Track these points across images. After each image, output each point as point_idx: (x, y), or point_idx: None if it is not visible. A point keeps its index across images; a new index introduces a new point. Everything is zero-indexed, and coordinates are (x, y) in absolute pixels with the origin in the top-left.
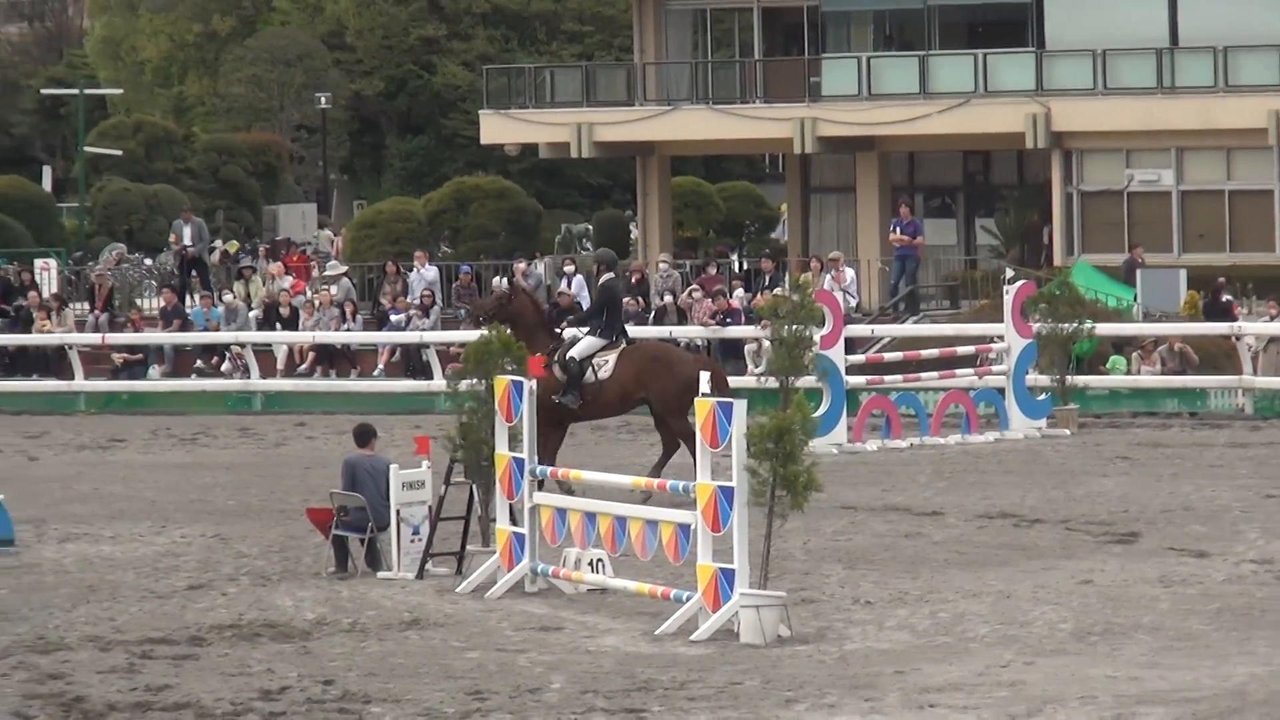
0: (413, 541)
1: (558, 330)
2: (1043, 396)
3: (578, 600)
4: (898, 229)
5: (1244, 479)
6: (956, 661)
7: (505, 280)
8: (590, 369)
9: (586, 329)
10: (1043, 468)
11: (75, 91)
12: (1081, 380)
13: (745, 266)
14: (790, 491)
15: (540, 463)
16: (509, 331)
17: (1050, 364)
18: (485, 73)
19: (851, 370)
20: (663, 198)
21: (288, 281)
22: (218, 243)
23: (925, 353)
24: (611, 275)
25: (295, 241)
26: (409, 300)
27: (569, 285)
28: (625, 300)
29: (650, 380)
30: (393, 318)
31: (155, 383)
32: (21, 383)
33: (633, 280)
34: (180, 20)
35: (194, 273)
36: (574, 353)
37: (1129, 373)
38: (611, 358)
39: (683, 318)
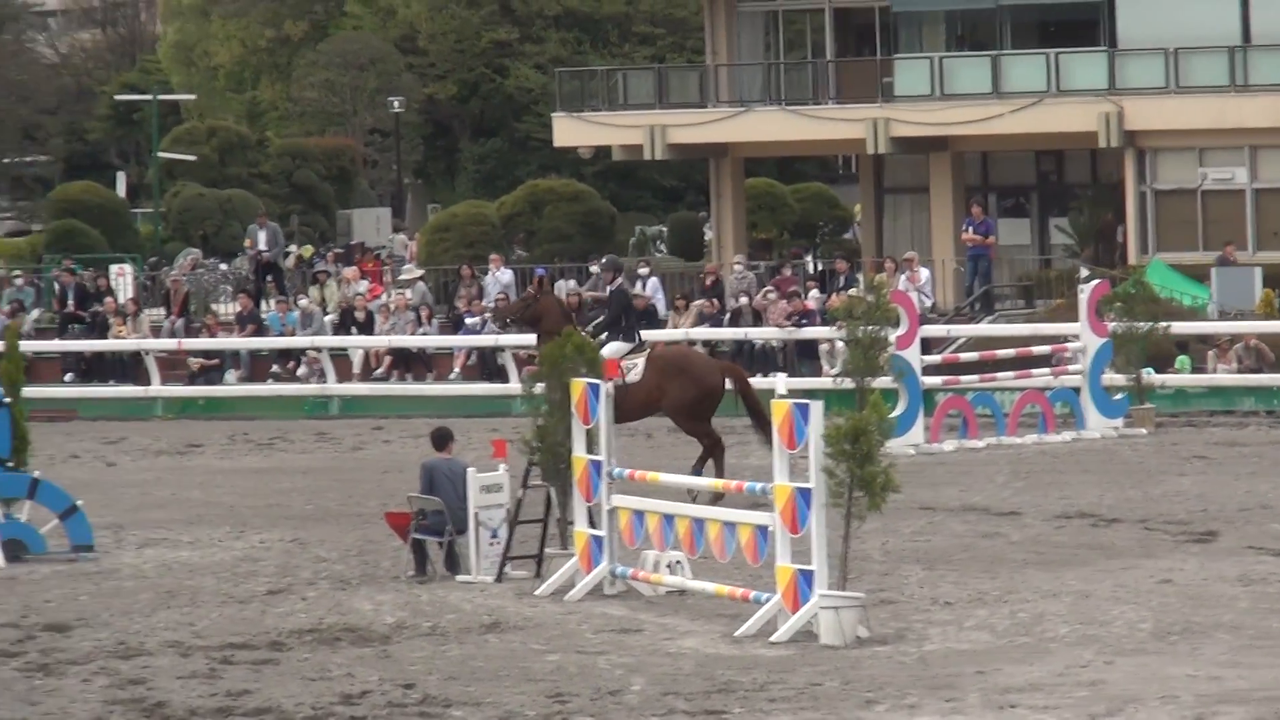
0: (491, 545)
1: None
2: (1119, 396)
3: (657, 602)
4: (970, 229)
5: None
6: (1036, 661)
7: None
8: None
9: (606, 335)
10: (1120, 467)
11: (149, 97)
12: (1158, 379)
13: (820, 268)
14: (868, 492)
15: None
16: (533, 333)
17: (1126, 363)
18: (558, 75)
19: (927, 371)
20: (736, 199)
21: (363, 286)
22: (292, 247)
23: (1001, 353)
24: (622, 281)
25: (369, 246)
26: (484, 304)
27: (644, 287)
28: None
29: (670, 387)
30: (468, 321)
31: (232, 388)
32: (99, 389)
33: (707, 283)
34: (252, 25)
35: (269, 277)
36: None
37: (1195, 371)
38: (640, 362)
39: (758, 319)
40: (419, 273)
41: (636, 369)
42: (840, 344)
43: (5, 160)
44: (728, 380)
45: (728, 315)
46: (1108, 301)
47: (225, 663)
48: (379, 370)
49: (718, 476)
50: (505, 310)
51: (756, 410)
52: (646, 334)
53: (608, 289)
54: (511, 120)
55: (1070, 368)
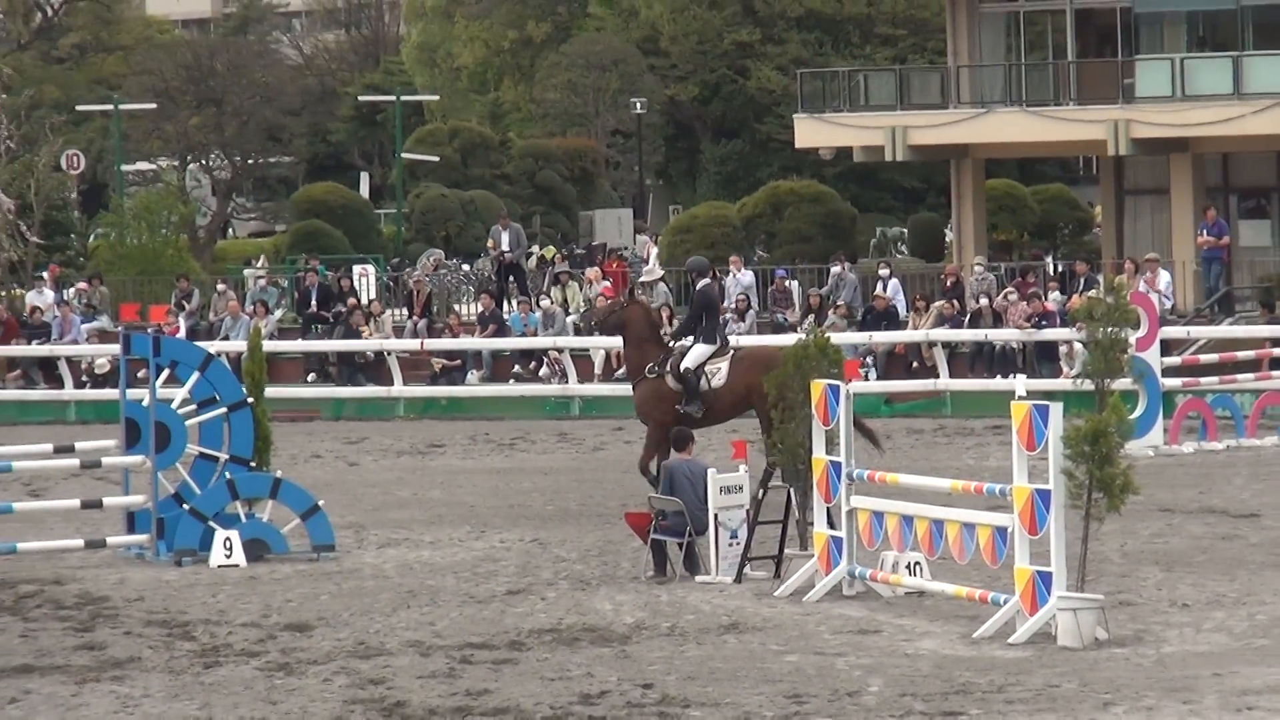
0: (730, 545)
1: (668, 341)
2: None
3: (895, 603)
4: (1204, 231)
5: None
6: (1275, 664)
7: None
8: (704, 377)
9: (690, 337)
10: None
11: (392, 98)
12: None
13: (1060, 269)
14: (1107, 494)
15: (645, 465)
16: (620, 339)
17: None
18: (799, 77)
19: (1167, 372)
20: (977, 200)
21: (604, 286)
22: (534, 248)
23: (1240, 354)
24: (708, 281)
25: (611, 247)
26: (725, 305)
27: (884, 289)
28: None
29: (760, 384)
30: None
31: (473, 388)
32: (341, 389)
33: (947, 284)
34: (496, 26)
35: (511, 278)
36: (687, 362)
37: None
38: (724, 365)
39: (998, 320)
40: (659, 274)
41: (721, 373)
42: (1079, 346)
43: (250, 161)
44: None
45: (967, 316)
46: None
47: (465, 662)
48: (620, 371)
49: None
50: (594, 314)
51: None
52: (733, 338)
53: (695, 289)
54: (753, 121)
55: None
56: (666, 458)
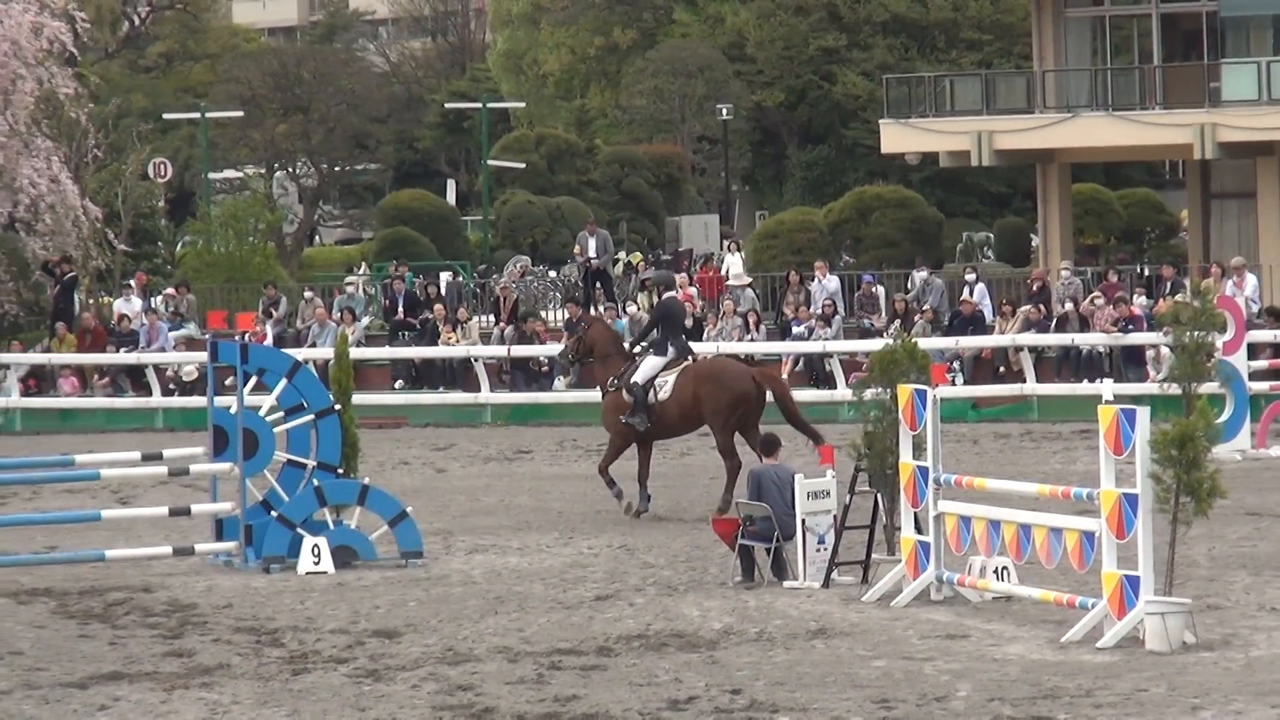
0: (818, 551)
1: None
2: None
3: (983, 608)
4: None
5: None
6: None
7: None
8: (653, 390)
9: (645, 347)
10: None
11: (478, 105)
12: None
13: (1146, 273)
14: (1194, 498)
15: (603, 468)
16: (589, 359)
17: None
18: (885, 82)
19: (1254, 376)
20: (1063, 205)
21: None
22: (620, 254)
23: None
24: (671, 294)
25: (699, 254)
26: (810, 310)
27: (970, 293)
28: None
29: (704, 395)
30: (795, 328)
31: (560, 394)
32: (428, 395)
33: (1033, 288)
34: (582, 33)
35: (598, 284)
36: (637, 376)
37: None
38: (671, 378)
39: (1085, 325)
40: (748, 280)
41: (667, 386)
42: (1166, 350)
43: (336, 168)
44: (766, 387)
45: (1054, 321)
46: None
47: (553, 668)
48: None
49: (724, 493)
50: (564, 353)
51: (795, 419)
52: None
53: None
54: (839, 127)
55: None
56: (640, 462)
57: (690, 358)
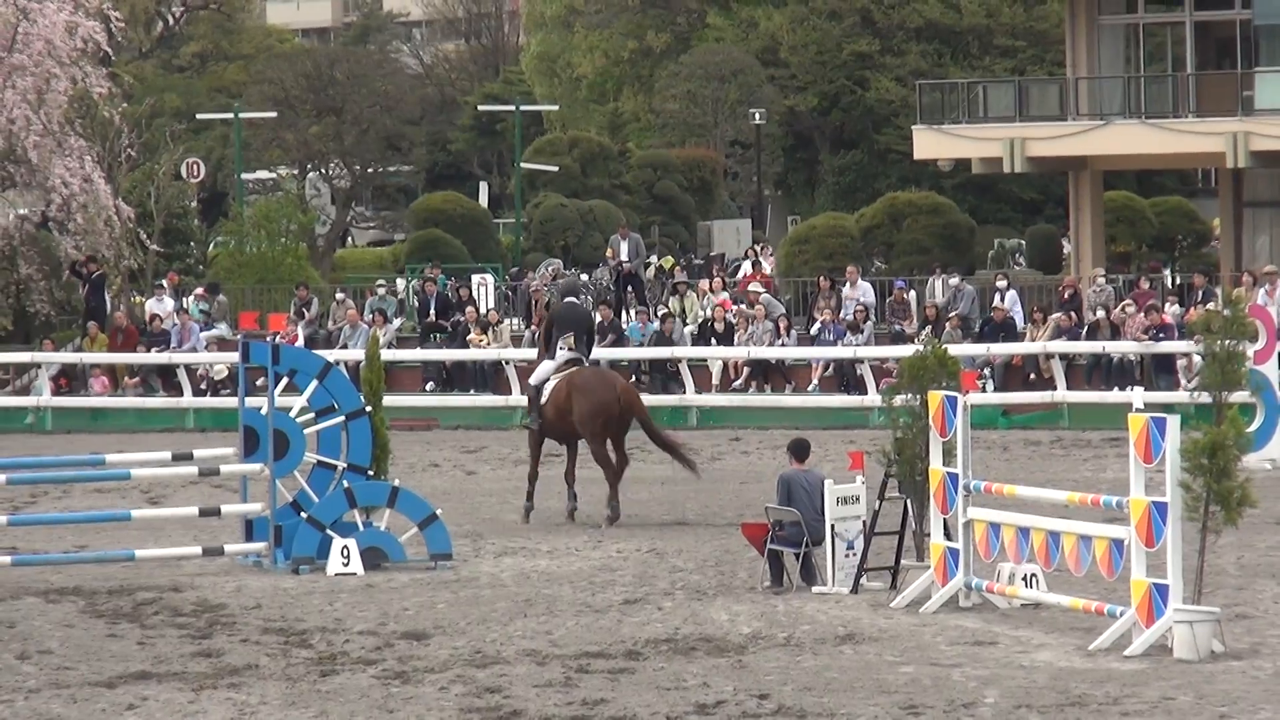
0: (847, 556)
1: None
2: None
3: (1011, 615)
4: None
5: None
6: None
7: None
8: (543, 392)
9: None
10: None
11: (512, 108)
12: None
13: (1178, 281)
14: (1224, 507)
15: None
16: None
17: None
18: (918, 88)
19: None
20: (1095, 212)
21: (721, 296)
22: (653, 258)
23: None
24: (570, 300)
25: (731, 258)
26: (842, 315)
27: (1002, 300)
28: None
29: (570, 405)
30: (820, 333)
31: None
32: (459, 398)
33: (1065, 295)
34: (615, 37)
35: (630, 288)
36: (531, 378)
37: None
38: (554, 381)
39: (1116, 333)
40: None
41: (547, 389)
42: (1197, 358)
43: (369, 170)
44: (629, 402)
45: (1085, 328)
46: None
47: (581, 671)
48: (738, 381)
49: (609, 499)
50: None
51: (654, 436)
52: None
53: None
54: (871, 132)
55: None
56: (567, 462)
57: (584, 363)
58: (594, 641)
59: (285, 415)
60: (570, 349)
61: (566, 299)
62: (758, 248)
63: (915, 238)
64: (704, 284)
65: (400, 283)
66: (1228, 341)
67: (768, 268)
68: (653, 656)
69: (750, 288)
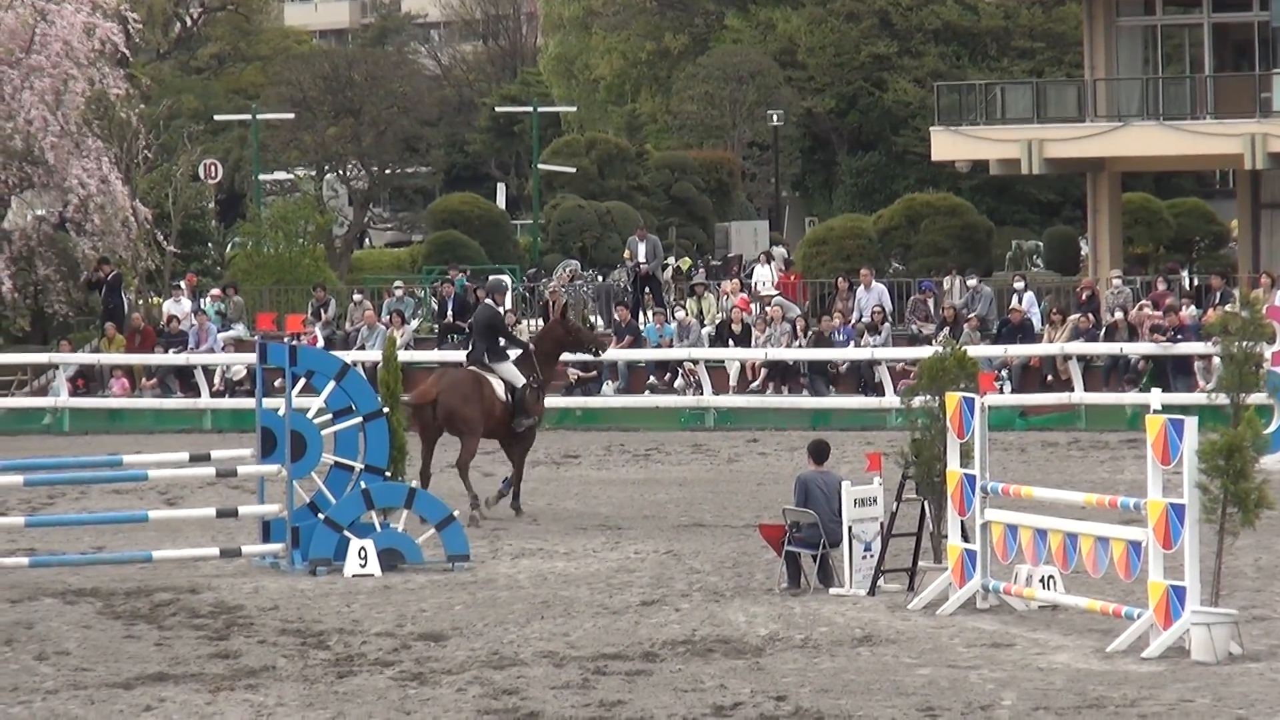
0: (864, 558)
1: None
2: None
3: (1029, 617)
4: None
5: None
6: None
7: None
8: None
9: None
10: None
11: (529, 109)
12: None
13: (1195, 283)
14: (1241, 508)
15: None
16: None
17: None
18: (936, 89)
19: None
20: (1113, 214)
21: (738, 298)
22: (670, 259)
23: None
24: (485, 302)
25: (748, 259)
26: (855, 318)
27: (1019, 301)
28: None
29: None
30: (835, 336)
31: (609, 399)
32: None
33: (1082, 297)
34: (633, 38)
35: (647, 289)
36: None
37: None
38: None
39: (1133, 334)
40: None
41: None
42: (1215, 359)
43: (387, 171)
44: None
45: (1103, 330)
46: None
47: (598, 673)
48: (755, 382)
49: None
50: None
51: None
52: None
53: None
54: (889, 134)
55: None
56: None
57: (467, 363)
58: (611, 643)
59: (302, 416)
60: (472, 347)
61: (485, 300)
62: (772, 249)
63: (933, 239)
64: (725, 285)
65: (398, 283)
66: (1245, 343)
67: (773, 274)
68: (670, 658)
69: (763, 292)
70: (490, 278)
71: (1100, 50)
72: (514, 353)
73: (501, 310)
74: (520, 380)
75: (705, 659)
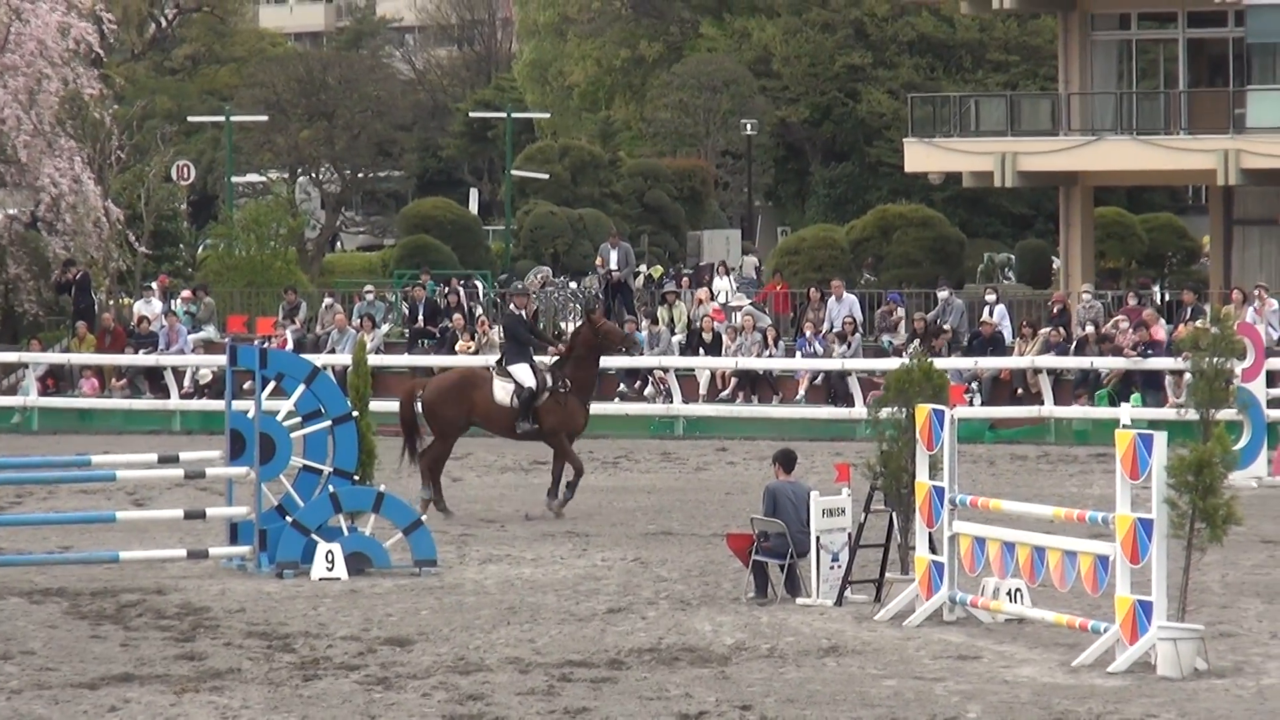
0: (832, 568)
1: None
2: None
3: (995, 630)
4: None
5: None
6: None
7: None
8: None
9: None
10: None
11: (503, 115)
12: None
13: (1167, 298)
14: (1209, 524)
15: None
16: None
17: None
18: (910, 101)
19: (1273, 404)
20: (1085, 228)
21: (710, 307)
22: (642, 267)
23: None
24: (509, 308)
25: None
26: (826, 329)
27: (990, 314)
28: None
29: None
30: (802, 346)
31: None
32: None
33: (1054, 310)
34: (608, 45)
35: (618, 297)
36: None
37: None
38: None
39: (1116, 350)
40: (743, 300)
41: None
42: (1186, 375)
43: (359, 175)
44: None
45: (1073, 344)
46: None
47: (564, 680)
48: (725, 391)
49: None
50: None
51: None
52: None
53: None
54: (863, 144)
55: None
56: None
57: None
58: (577, 650)
59: (272, 419)
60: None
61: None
62: (728, 260)
63: (905, 250)
64: (699, 293)
65: (369, 287)
66: (1216, 359)
67: (731, 285)
68: (636, 666)
69: (730, 303)
70: (512, 282)
71: (1075, 64)
72: (544, 359)
73: (521, 312)
74: (530, 382)
75: (671, 667)
